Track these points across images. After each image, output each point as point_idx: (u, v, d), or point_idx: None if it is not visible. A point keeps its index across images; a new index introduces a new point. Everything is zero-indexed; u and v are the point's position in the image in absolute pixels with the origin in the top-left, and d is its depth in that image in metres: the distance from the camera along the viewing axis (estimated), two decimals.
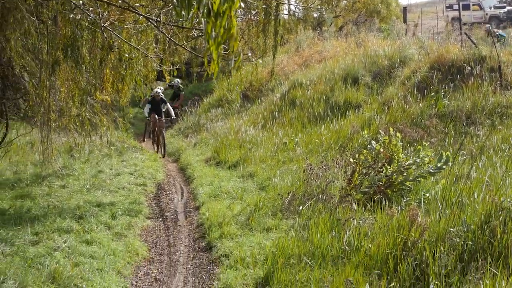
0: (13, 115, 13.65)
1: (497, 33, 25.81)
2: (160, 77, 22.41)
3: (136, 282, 8.98)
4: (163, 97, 20.90)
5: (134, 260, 9.76)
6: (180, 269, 9.52)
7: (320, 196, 10.47)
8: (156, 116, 19.97)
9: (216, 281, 8.50)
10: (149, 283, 8.98)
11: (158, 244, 10.89)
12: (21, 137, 15.05)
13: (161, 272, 9.43)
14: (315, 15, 36.02)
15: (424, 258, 7.27)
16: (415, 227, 7.70)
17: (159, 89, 21.24)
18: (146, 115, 20.44)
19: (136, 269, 9.50)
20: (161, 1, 11.92)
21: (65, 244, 9.35)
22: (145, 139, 23.75)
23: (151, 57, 12.30)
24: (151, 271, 9.48)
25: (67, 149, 17.12)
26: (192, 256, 10.09)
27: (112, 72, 12.27)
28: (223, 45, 4.37)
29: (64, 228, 10.19)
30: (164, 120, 20.33)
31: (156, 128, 20.08)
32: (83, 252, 9.16)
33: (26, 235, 9.58)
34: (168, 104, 20.97)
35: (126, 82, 12.72)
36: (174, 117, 21.32)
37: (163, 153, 19.84)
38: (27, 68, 10.66)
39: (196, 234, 11.16)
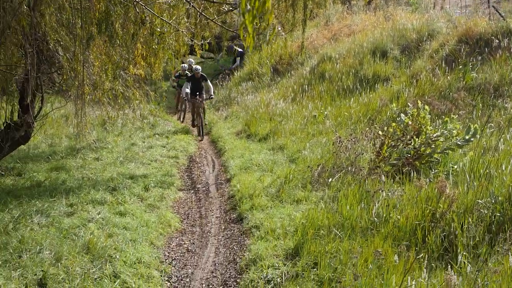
0: (48, 89, 13.84)
1: None
2: (191, 51, 22.39)
3: (168, 252, 9.17)
4: (203, 74, 20.16)
5: (167, 231, 9.96)
6: (212, 240, 9.69)
7: (349, 168, 10.55)
8: (196, 97, 19.28)
9: (247, 252, 8.64)
10: (181, 254, 9.16)
11: (190, 215, 11.08)
12: (56, 110, 15.27)
13: (193, 243, 9.62)
14: None
15: (452, 229, 7.35)
16: (443, 198, 7.78)
17: (197, 65, 20.58)
18: (184, 95, 19.66)
19: (169, 240, 9.70)
20: None
21: (99, 215, 9.59)
22: (182, 119, 22.78)
23: (182, 32, 12.36)
24: (183, 242, 9.67)
25: (101, 122, 17.39)
26: (223, 227, 10.27)
27: (144, 47, 12.35)
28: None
29: (98, 200, 10.44)
30: (204, 98, 19.59)
31: (195, 110, 19.44)
32: (116, 223, 9.37)
33: (61, 207, 9.82)
34: (208, 80, 20.13)
35: (159, 56, 12.79)
36: (213, 96, 20.68)
37: (201, 135, 19.13)
38: (61, 43, 10.78)
39: (227, 205, 11.34)
